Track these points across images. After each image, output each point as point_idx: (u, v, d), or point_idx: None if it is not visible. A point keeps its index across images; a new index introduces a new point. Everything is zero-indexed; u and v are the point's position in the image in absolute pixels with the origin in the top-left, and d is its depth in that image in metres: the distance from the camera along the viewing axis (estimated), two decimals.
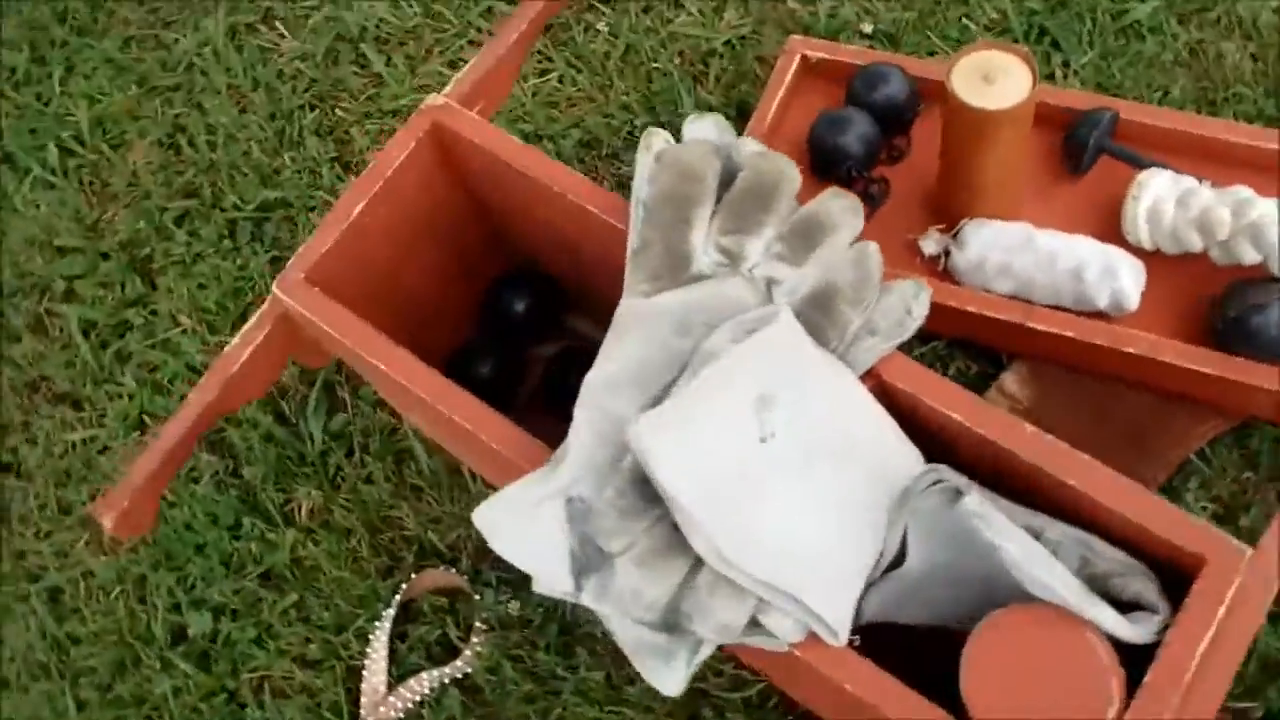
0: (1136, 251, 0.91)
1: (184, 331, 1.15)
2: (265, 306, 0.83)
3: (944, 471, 0.65)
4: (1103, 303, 0.88)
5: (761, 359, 0.64)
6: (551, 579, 0.66)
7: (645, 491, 0.63)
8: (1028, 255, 0.90)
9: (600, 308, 1.00)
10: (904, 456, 0.68)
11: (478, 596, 0.96)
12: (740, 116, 1.12)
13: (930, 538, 0.67)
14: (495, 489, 0.99)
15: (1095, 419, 0.90)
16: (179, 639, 1.02)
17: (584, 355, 1.01)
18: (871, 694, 0.62)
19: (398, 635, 0.97)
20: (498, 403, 0.75)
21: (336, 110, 1.25)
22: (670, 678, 0.65)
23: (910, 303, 0.67)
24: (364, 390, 1.07)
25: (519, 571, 0.99)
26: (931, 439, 0.69)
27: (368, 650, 0.96)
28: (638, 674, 0.92)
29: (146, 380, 1.13)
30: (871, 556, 0.66)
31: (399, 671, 0.96)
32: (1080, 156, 0.96)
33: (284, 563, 1.02)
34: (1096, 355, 0.87)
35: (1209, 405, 0.89)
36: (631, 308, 0.69)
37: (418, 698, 0.94)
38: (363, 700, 0.95)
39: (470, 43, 1.25)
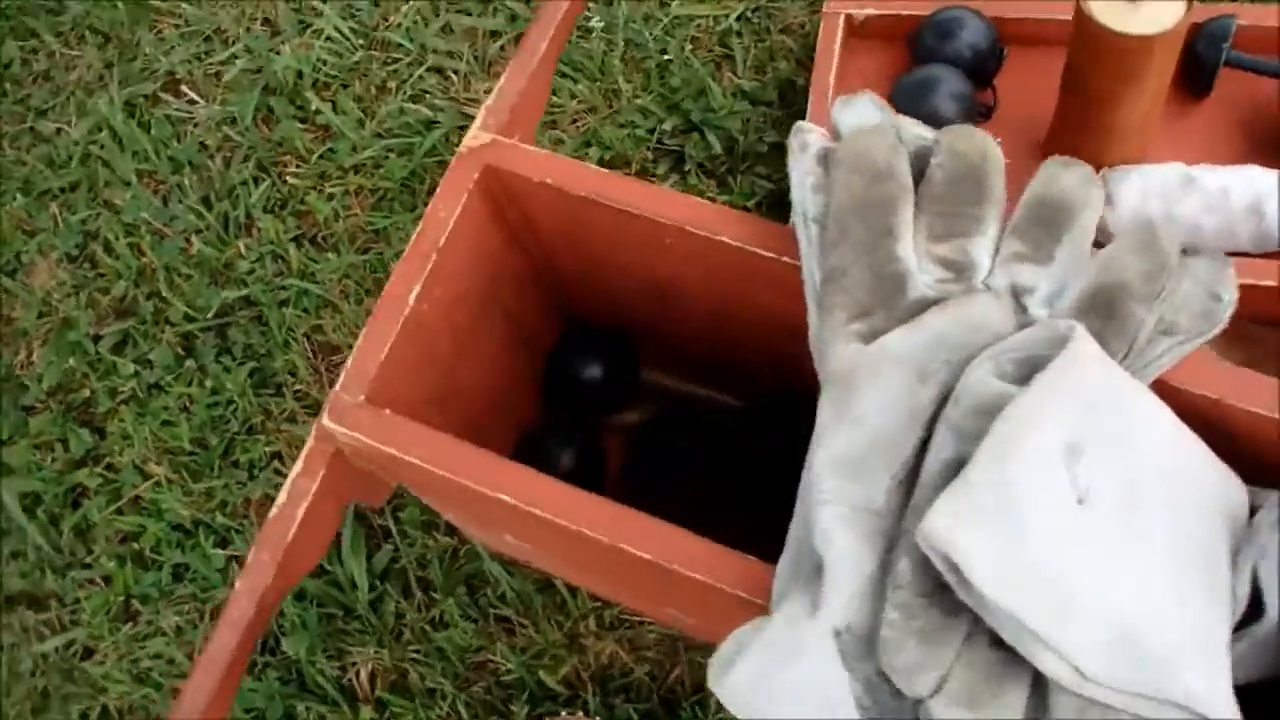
0: None
1: (157, 484, 0.93)
2: (311, 444, 0.63)
3: None
4: None
5: (1062, 396, 0.48)
6: None
7: (943, 603, 0.46)
8: (1193, 198, 0.76)
9: (682, 358, 0.82)
10: (1227, 483, 0.53)
11: None
12: (783, 101, 0.95)
13: None
14: (613, 604, 0.82)
15: None
16: None
17: (678, 416, 0.84)
18: None
19: None
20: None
21: (286, 178, 1.04)
22: None
23: (1216, 285, 0.52)
24: (406, 512, 0.87)
25: (658, 700, 0.84)
26: (1230, 452, 0.54)
27: None
28: None
29: (125, 555, 0.91)
30: (1228, 617, 0.50)
31: None
32: (1203, 75, 0.83)
33: None
34: None
35: None
36: (851, 359, 0.52)
37: None
38: None
39: (431, 69, 1.06)
